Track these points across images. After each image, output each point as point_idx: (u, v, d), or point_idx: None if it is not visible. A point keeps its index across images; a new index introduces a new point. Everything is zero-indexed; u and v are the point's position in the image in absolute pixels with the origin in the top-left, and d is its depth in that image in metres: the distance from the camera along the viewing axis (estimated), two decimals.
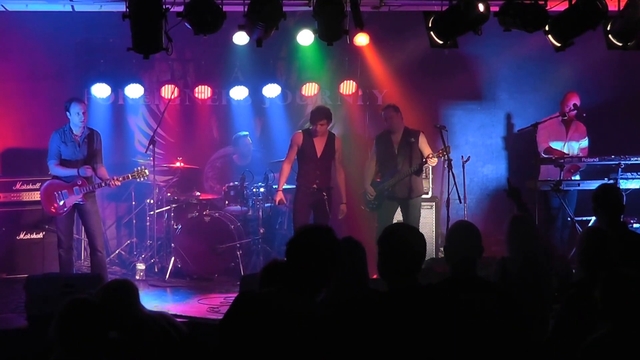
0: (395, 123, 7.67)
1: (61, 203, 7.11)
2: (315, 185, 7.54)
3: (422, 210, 8.16)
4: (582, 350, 3.17)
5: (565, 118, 8.20)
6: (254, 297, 3.19)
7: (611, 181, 7.59)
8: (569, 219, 7.84)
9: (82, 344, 3.48)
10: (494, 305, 3.57)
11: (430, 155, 7.43)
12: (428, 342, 3.12)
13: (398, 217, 7.81)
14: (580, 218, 7.71)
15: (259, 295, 3.22)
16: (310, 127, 7.64)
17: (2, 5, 7.53)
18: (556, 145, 8.21)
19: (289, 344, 3.00)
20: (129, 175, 7.38)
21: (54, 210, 7.16)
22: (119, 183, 7.29)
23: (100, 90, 8.96)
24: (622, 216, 5.01)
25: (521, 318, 3.68)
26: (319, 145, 7.63)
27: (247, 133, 9.12)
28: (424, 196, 8.38)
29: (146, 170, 7.48)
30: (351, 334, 3.11)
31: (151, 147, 8.15)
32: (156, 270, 8.22)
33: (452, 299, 3.30)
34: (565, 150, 8.21)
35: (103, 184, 7.21)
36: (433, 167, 8.07)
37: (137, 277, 8.01)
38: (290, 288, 3.11)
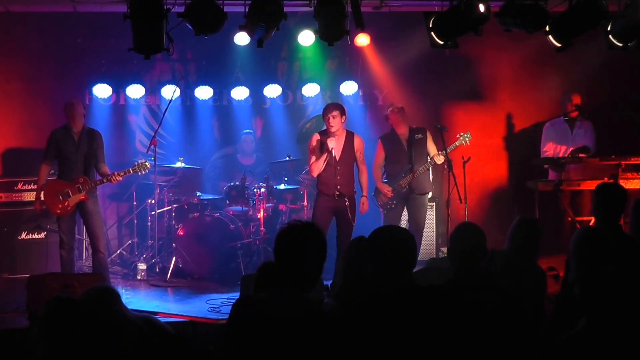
0: (402, 124, 7.71)
1: (65, 203, 7.10)
2: (336, 192, 7.05)
3: None
4: (555, 346, 3.17)
5: (567, 119, 8.20)
6: (249, 303, 3.19)
7: (612, 180, 7.60)
8: (569, 219, 7.84)
9: (65, 343, 3.37)
10: (498, 305, 3.58)
11: (439, 153, 7.55)
12: (433, 342, 3.13)
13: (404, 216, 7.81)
14: (580, 218, 7.71)
15: (254, 301, 3.22)
16: (324, 126, 7.16)
17: (4, 6, 7.55)
18: (562, 145, 8.23)
19: (288, 346, 3.01)
20: (130, 170, 7.35)
21: (59, 211, 7.11)
22: (120, 178, 7.22)
23: (102, 91, 8.99)
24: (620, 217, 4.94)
25: (526, 319, 3.67)
26: (337, 147, 7.10)
27: (250, 131, 9.15)
28: None
29: (147, 163, 7.45)
30: (355, 333, 3.13)
31: (152, 147, 8.16)
32: (157, 270, 8.22)
33: (456, 300, 3.30)
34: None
35: (104, 180, 7.17)
36: (434, 167, 8.07)
37: (139, 277, 8.03)
38: (282, 290, 3.13)
